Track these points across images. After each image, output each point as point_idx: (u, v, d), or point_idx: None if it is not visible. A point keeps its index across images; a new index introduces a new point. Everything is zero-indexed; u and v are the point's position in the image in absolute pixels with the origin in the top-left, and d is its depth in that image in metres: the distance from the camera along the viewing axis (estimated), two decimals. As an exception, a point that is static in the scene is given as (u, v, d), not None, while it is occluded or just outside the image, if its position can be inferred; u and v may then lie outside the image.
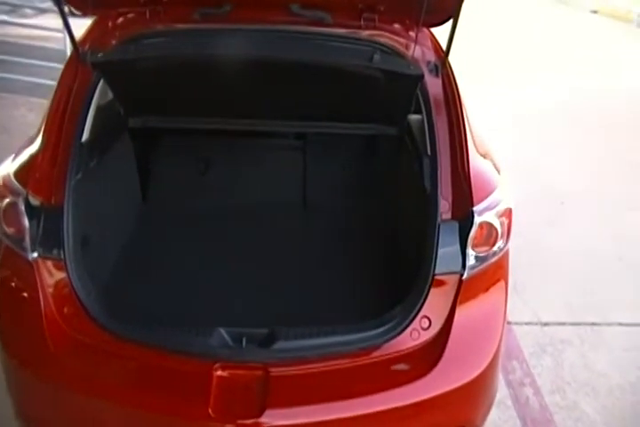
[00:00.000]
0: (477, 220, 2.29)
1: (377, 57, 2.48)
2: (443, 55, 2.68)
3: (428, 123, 2.53)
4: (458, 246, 2.29)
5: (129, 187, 3.28)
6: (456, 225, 2.31)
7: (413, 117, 2.88)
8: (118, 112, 2.98)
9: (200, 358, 2.09)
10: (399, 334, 2.19)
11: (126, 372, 2.14)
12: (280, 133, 3.60)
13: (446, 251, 2.29)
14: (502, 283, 2.37)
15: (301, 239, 3.19)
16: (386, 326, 2.22)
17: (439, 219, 2.32)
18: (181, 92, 2.85)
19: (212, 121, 3.13)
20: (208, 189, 3.53)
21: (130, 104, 2.96)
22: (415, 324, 2.23)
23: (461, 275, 2.28)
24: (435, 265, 2.27)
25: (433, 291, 2.26)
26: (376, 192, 3.43)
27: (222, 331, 2.13)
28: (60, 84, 2.61)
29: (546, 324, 3.63)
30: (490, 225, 2.30)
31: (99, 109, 2.62)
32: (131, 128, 3.12)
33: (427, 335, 2.22)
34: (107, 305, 2.27)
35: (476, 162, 2.42)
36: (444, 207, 2.35)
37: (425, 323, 2.24)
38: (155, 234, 3.17)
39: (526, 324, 3.61)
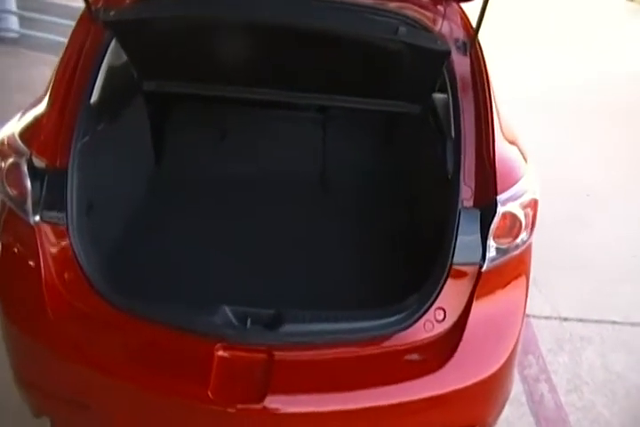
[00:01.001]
0: (501, 209, 2.15)
1: (402, 29, 2.33)
2: (472, 33, 2.53)
3: (453, 103, 2.39)
4: (478, 236, 2.16)
5: (140, 152, 3.15)
6: (478, 214, 2.18)
7: (438, 96, 2.73)
8: (132, 74, 2.86)
9: (202, 337, 2.00)
10: (412, 324, 2.08)
11: (124, 345, 2.07)
12: (300, 106, 3.47)
13: (466, 240, 2.16)
14: (523, 278, 2.24)
15: (315, 218, 3.07)
16: (398, 316, 2.11)
17: (460, 206, 2.19)
18: (198, 56, 2.72)
19: (229, 89, 2.99)
20: (223, 159, 3.40)
21: (143, 66, 2.82)
22: (429, 315, 2.11)
23: (481, 266, 2.15)
24: (453, 254, 2.14)
25: (450, 282, 2.14)
26: (396, 173, 3.29)
27: (227, 309, 2.04)
28: (70, 42, 2.49)
29: (565, 319, 3.50)
30: (513, 216, 2.17)
31: (111, 70, 2.50)
32: (146, 92, 2.99)
33: (441, 328, 2.10)
34: (109, 274, 2.18)
35: (502, 148, 2.28)
36: (466, 194, 2.22)
37: (440, 315, 2.12)
38: (164, 203, 3.06)
39: (545, 318, 3.48)
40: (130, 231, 2.78)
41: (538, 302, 3.52)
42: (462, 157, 2.27)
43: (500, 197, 2.16)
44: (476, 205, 2.20)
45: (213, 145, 3.47)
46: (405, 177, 3.20)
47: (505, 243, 2.17)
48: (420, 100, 2.84)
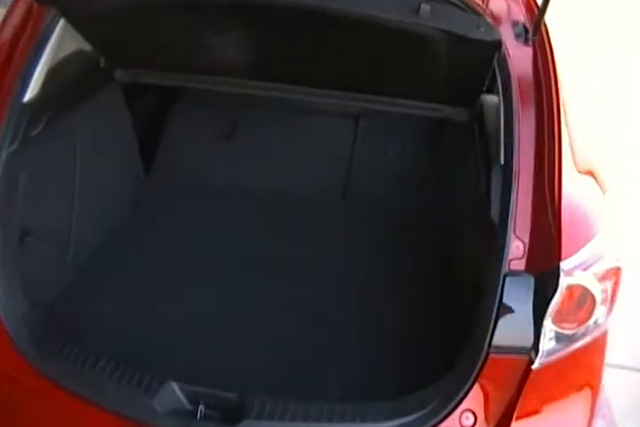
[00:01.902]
0: (566, 281, 1.48)
1: (425, 8, 1.61)
2: (536, 14, 1.80)
3: (505, 116, 1.70)
4: (531, 315, 1.52)
5: (117, 159, 2.54)
6: (531, 282, 1.54)
7: (489, 100, 2.04)
8: (96, 62, 2.27)
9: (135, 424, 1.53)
10: None
11: (48, 421, 1.64)
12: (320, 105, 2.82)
13: (512, 318, 1.53)
14: (594, 381, 1.57)
15: (328, 249, 2.42)
16: (408, 417, 1.52)
17: (506, 269, 1.54)
18: (180, 38, 2.12)
19: (226, 82, 2.37)
20: (227, 166, 2.82)
21: (109, 51, 2.25)
22: (452, 420, 1.52)
23: (531, 360, 1.51)
24: (491, 337, 1.52)
25: (485, 375, 1.53)
26: (431, 200, 2.62)
27: (175, 388, 1.57)
28: (3, 25, 1.98)
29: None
30: (584, 290, 1.50)
31: (64, 59, 2.02)
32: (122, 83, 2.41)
33: None
34: (38, 329, 1.71)
35: (573, 186, 1.59)
36: (517, 252, 1.56)
37: (467, 420, 1.52)
38: (142, 227, 2.49)
39: (621, 367, 2.77)
40: (86, 268, 2.21)
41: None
42: (513, 196, 1.59)
43: (565, 263, 1.50)
44: (529, 269, 1.55)
45: (217, 148, 2.87)
46: (440, 211, 2.52)
47: (570, 328, 1.52)
48: (464, 102, 2.15)
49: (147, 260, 2.32)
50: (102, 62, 2.30)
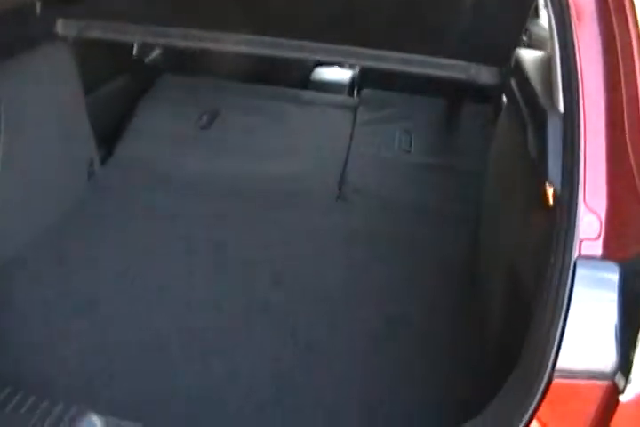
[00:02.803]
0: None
1: None
2: None
3: (560, 50, 1.23)
4: (616, 321, 1.03)
5: (60, 138, 2.05)
6: (615, 272, 1.04)
7: (528, 55, 1.60)
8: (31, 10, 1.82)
9: None
10: None
11: None
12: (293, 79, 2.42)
13: (586, 328, 1.04)
14: None
15: (318, 259, 1.93)
16: None
17: (576, 252, 1.04)
18: None
19: (192, 35, 1.92)
20: (202, 154, 2.38)
21: None
22: None
23: (617, 388, 1.01)
24: (557, 354, 1.02)
25: (547, 411, 1.03)
26: (453, 188, 2.16)
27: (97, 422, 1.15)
28: None
29: None
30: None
31: None
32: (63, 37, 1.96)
33: None
34: None
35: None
36: (589, 230, 1.07)
37: None
38: (91, 226, 2.01)
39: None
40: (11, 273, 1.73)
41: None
42: (581, 153, 1.11)
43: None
44: (609, 254, 1.06)
45: (194, 134, 2.41)
46: (466, 194, 2.03)
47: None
48: (494, 58, 1.71)
49: (87, 259, 1.84)
50: (39, 9, 1.85)
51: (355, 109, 2.62)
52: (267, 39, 1.87)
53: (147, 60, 2.84)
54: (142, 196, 2.11)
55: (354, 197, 2.19)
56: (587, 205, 1.09)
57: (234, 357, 1.53)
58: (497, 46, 1.70)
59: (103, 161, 2.29)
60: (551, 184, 1.15)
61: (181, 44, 2.00)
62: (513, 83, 1.61)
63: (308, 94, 2.79)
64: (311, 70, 3.07)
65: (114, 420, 1.15)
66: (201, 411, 1.19)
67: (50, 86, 1.92)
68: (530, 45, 1.71)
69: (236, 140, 2.41)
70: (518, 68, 1.60)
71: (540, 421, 1.04)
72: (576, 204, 1.08)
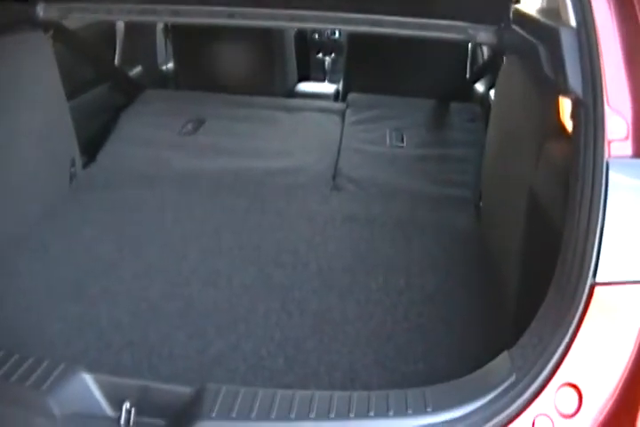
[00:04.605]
0: None
1: None
2: None
3: None
4: None
5: (40, 140, 1.95)
6: None
7: (525, 6, 1.59)
8: None
9: None
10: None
11: None
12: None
13: (626, 228, 0.98)
14: None
15: (318, 239, 1.85)
16: (469, 407, 0.95)
17: (606, 155, 0.98)
18: None
19: (180, 10, 1.89)
20: (189, 155, 2.31)
21: None
22: (544, 403, 0.94)
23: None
24: (597, 262, 0.95)
25: (591, 322, 0.95)
26: (449, 174, 2.13)
27: (88, 379, 1.02)
28: None
29: None
30: None
31: None
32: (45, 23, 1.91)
33: None
34: None
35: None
36: (616, 130, 1.02)
37: (569, 400, 0.93)
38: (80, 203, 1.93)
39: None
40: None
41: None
42: (600, 60, 1.06)
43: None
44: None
45: (179, 140, 2.39)
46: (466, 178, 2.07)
47: None
48: (493, 15, 1.71)
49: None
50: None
51: (343, 113, 2.60)
52: (259, 11, 1.84)
53: (130, 73, 2.82)
54: (128, 191, 2.02)
55: (349, 186, 2.12)
56: (611, 107, 1.04)
57: (237, 329, 1.42)
58: (493, 4, 1.68)
59: (85, 166, 2.21)
60: (572, 93, 1.10)
61: (171, 19, 1.97)
62: (512, 35, 1.59)
63: (295, 102, 2.77)
64: (295, 84, 3.07)
65: (104, 376, 1.04)
66: (205, 381, 1.08)
67: (30, 74, 1.86)
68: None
69: (224, 144, 2.36)
70: (517, 18, 1.59)
71: (586, 333, 0.95)
72: (601, 106, 1.03)
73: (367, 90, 2.74)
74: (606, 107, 1.03)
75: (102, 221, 1.87)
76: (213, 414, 0.94)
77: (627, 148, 1.01)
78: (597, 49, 1.07)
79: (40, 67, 1.92)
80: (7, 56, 1.75)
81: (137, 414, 0.97)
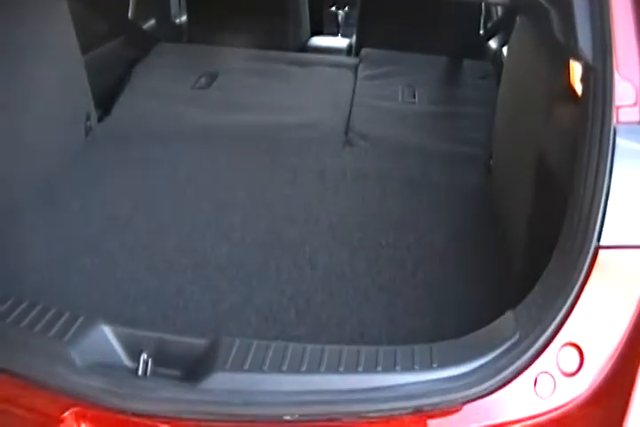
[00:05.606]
0: None
1: None
2: None
3: None
4: None
5: (59, 97, 1.98)
6: None
7: None
8: None
9: (49, 392, 1.01)
10: (505, 384, 0.98)
11: None
12: None
13: (632, 192, 1.00)
14: None
15: (332, 195, 1.88)
16: (474, 363, 0.99)
17: (614, 120, 1.00)
18: None
19: None
20: (202, 110, 2.33)
21: None
22: (546, 361, 0.98)
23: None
24: (602, 223, 0.98)
25: (594, 285, 0.99)
26: (461, 131, 2.14)
27: (107, 331, 1.07)
28: None
29: None
30: None
31: None
32: None
33: (573, 389, 0.97)
34: None
35: None
36: (625, 96, 1.03)
37: (570, 359, 0.97)
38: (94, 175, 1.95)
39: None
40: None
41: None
42: (611, 26, 1.07)
43: None
44: None
45: (193, 93, 2.41)
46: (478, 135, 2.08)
47: None
48: None
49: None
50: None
51: (355, 67, 2.61)
52: None
53: (144, 26, 2.82)
54: (142, 146, 2.05)
55: (361, 142, 2.14)
56: (620, 74, 1.05)
57: (250, 282, 1.47)
58: None
59: (100, 120, 2.24)
60: (582, 58, 1.11)
61: None
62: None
63: (308, 56, 2.78)
64: (308, 38, 3.07)
65: (123, 329, 1.09)
66: (219, 333, 1.12)
67: (45, 28, 1.86)
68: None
69: (237, 98, 2.38)
70: None
71: (588, 296, 0.99)
72: (611, 72, 1.05)
73: (380, 45, 2.75)
74: (615, 73, 1.05)
75: (117, 176, 1.91)
76: (227, 366, 1.00)
77: (634, 114, 1.03)
78: (609, 15, 1.08)
79: (55, 21, 1.92)
80: (22, 11, 1.76)
81: (154, 364, 1.03)
